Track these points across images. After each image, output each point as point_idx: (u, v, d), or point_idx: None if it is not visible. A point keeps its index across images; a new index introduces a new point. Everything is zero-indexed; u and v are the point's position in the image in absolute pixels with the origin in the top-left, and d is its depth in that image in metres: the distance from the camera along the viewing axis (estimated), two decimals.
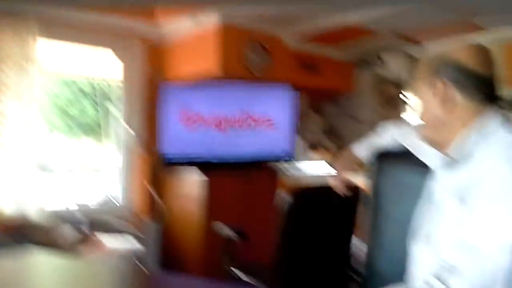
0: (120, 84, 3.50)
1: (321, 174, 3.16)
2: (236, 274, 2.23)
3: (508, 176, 0.93)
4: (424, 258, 1.13)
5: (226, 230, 2.39)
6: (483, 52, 1.08)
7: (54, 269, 0.94)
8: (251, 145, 3.49)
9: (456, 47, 1.10)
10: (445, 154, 1.09)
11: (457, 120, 1.07)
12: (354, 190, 1.66)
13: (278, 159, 3.57)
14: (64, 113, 3.91)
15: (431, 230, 1.14)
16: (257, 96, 3.52)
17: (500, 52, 5.15)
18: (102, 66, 3.55)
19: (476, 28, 3.72)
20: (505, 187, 0.92)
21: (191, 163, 3.36)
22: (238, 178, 3.27)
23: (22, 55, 2.88)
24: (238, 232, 2.34)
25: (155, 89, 3.40)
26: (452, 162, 1.08)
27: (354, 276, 1.70)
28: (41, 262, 1.01)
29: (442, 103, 1.08)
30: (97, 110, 3.89)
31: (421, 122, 1.17)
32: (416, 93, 1.18)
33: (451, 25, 3.58)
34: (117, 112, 3.53)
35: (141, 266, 2.92)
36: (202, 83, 3.42)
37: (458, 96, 1.06)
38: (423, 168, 1.36)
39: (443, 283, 0.97)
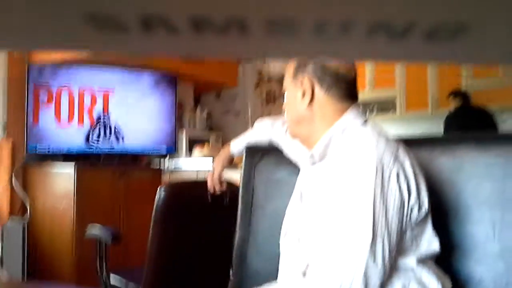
0: None
1: (203, 170, 3.12)
2: (109, 280, 2.08)
3: (354, 171, 0.96)
4: (294, 256, 1.14)
5: (99, 231, 2.22)
6: None
7: None
8: (128, 138, 3.33)
9: None
10: (311, 153, 1.11)
11: (321, 119, 1.09)
12: (230, 187, 1.65)
13: (158, 154, 3.46)
14: None
15: (300, 227, 1.16)
16: (136, 83, 3.36)
17: None
18: None
19: None
20: (353, 184, 0.94)
21: (61, 155, 3.11)
22: (113, 173, 3.09)
23: None
24: (113, 233, 2.19)
25: (20, 68, 3.08)
26: (315, 160, 1.10)
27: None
28: None
29: (304, 98, 1.09)
30: None
31: (288, 118, 1.19)
32: (285, 89, 1.20)
33: None
34: None
35: (1, 273, 2.62)
36: (72, 65, 3.16)
37: (318, 92, 1.08)
38: (295, 165, 1.39)
39: (308, 281, 0.99)
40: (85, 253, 2.75)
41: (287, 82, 1.16)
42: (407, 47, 0.19)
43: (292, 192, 1.26)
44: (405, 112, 5.42)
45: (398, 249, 0.96)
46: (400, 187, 0.93)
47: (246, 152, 1.59)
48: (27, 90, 3.03)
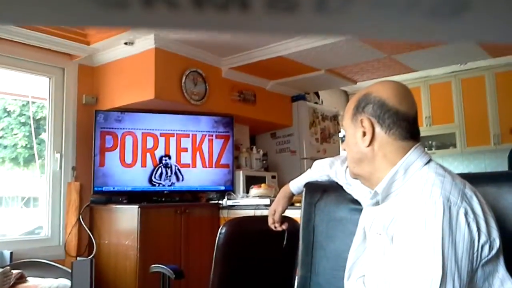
0: (51, 108, 3.36)
1: (260, 208, 3.15)
2: None
3: (422, 209, 0.95)
4: None
5: (161, 268, 2.29)
6: (403, 91, 1.12)
7: None
8: (188, 177, 3.45)
9: (379, 85, 1.14)
10: (374, 191, 1.11)
11: (382, 158, 1.10)
12: (290, 225, 1.66)
13: (217, 192, 3.54)
14: None
15: (365, 267, 1.15)
16: (194, 125, 3.50)
17: (426, 91, 5.51)
18: (33, 89, 3.41)
19: (406, 69, 3.98)
20: (421, 223, 0.93)
21: (125, 195, 3.26)
22: (174, 210, 3.18)
23: None
24: (175, 270, 2.25)
25: (88, 115, 3.31)
26: (378, 199, 1.10)
27: None
28: None
29: (364, 138, 1.10)
30: (26, 137, 3.68)
31: (348, 157, 1.20)
32: (344, 128, 1.21)
33: (382, 65, 3.79)
34: (48, 140, 3.37)
35: None
36: (138, 109, 3.36)
37: (379, 131, 1.09)
38: (356, 203, 1.39)
39: None
40: None
41: (346, 122, 1.18)
42: (410, 23, 0.19)
43: (353, 231, 1.26)
44: (465, 147, 5.25)
45: None
46: (469, 225, 0.92)
47: (306, 190, 1.59)
48: (94, 135, 3.23)
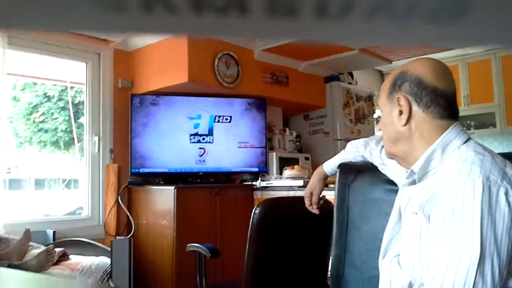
0: (88, 93, 3.45)
1: (294, 189, 3.16)
2: None
3: (460, 188, 0.93)
4: (394, 276, 1.13)
5: (198, 247, 2.34)
6: (441, 68, 1.09)
7: (22, 285, 0.90)
8: (223, 159, 3.49)
9: (416, 63, 1.12)
10: (411, 170, 1.10)
11: (419, 137, 1.08)
12: (325, 206, 1.66)
13: (251, 173, 3.57)
14: (33, 123, 3.82)
15: (400, 247, 1.14)
16: (228, 108, 3.53)
17: (464, 70, 5.33)
18: (71, 75, 3.50)
19: (443, 47, 3.85)
20: (459, 201, 0.92)
21: (161, 176, 3.33)
22: (210, 192, 3.24)
23: None
24: (210, 249, 2.30)
25: (124, 98, 3.39)
26: (415, 178, 1.09)
27: None
28: (9, 277, 0.96)
29: (401, 117, 1.08)
30: (66, 121, 3.80)
31: (384, 137, 1.18)
32: (380, 108, 1.19)
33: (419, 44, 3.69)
34: (86, 123, 3.47)
35: (111, 283, 2.83)
36: (172, 93, 3.40)
37: (416, 110, 1.07)
38: (391, 184, 1.38)
39: None
40: (185, 267, 2.90)
41: (382, 101, 1.16)
42: (409, 29, 0.18)
43: (388, 212, 1.25)
44: (506, 127, 5.08)
45: (510, 270, 0.91)
46: (509, 205, 0.90)
47: (340, 171, 1.58)
48: (131, 119, 3.30)
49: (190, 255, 2.34)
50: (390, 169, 1.35)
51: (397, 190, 1.25)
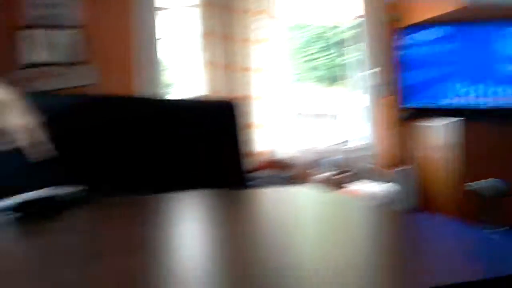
0: (358, 28, 3.55)
1: None
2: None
3: None
4: None
5: (483, 185, 2.18)
6: None
7: (321, 202, 1.02)
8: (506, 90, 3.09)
9: None
10: None
11: None
12: None
13: None
14: (309, 61, 4.13)
15: None
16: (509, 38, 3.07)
17: None
18: (341, 13, 3.62)
19: None
20: None
21: (435, 110, 3.20)
22: (494, 127, 2.95)
23: (260, 8, 3.13)
24: (500, 188, 2.11)
25: (395, 31, 3.32)
26: None
27: None
28: (309, 196, 1.10)
29: None
30: (338, 56, 3.97)
31: None
32: None
33: None
34: (359, 57, 3.57)
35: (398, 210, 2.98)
36: (445, 23, 3.15)
37: None
38: None
39: None
40: (468, 209, 2.75)
41: None
42: None
43: None
44: None
45: None
46: None
47: None
48: (402, 52, 3.21)
49: (474, 195, 2.21)
50: None
51: None
